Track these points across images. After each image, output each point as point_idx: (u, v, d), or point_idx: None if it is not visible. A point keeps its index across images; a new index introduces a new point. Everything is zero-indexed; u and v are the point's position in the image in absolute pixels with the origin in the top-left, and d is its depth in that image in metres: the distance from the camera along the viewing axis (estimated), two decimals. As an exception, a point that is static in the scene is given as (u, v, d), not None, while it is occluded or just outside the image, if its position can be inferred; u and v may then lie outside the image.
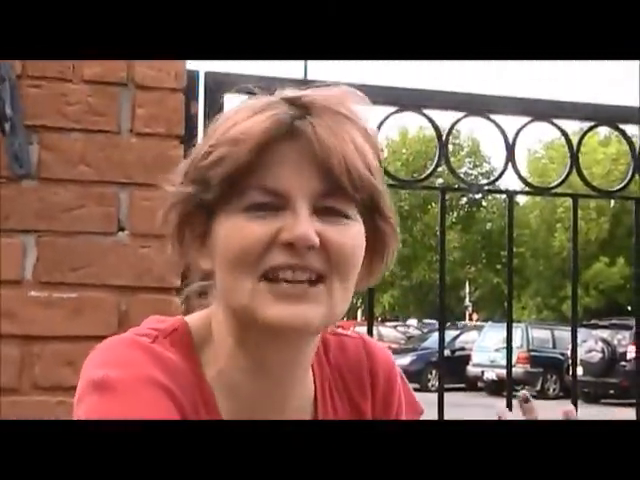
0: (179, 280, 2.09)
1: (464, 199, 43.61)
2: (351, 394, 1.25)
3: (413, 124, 42.41)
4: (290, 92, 1.15)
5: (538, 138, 42.73)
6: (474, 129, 43.46)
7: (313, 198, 1.10)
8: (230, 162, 1.09)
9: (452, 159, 2.67)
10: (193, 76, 2.27)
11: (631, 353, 19.33)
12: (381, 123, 2.43)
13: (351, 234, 1.12)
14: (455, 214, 41.71)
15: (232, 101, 2.09)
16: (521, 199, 40.41)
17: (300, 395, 1.21)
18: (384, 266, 1.19)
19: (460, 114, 2.53)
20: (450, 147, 2.74)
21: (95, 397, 1.06)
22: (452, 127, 2.56)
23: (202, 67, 2.29)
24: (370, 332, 2.55)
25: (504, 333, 2.79)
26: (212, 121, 1.18)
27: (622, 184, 2.73)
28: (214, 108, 2.09)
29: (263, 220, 1.09)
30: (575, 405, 2.73)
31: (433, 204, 40.12)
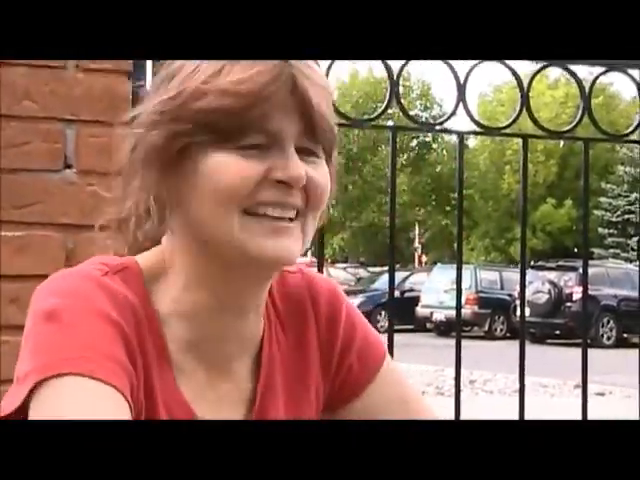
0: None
1: (414, 141, 43.68)
2: (295, 327, 1.30)
3: (363, 66, 42.22)
4: None
5: (489, 81, 42.89)
6: (425, 72, 43.51)
7: (295, 138, 1.15)
8: (229, 109, 1.12)
9: (403, 101, 2.66)
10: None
11: (577, 294, 19.65)
12: (331, 63, 2.40)
13: (324, 172, 1.18)
14: (405, 156, 41.74)
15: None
16: (471, 142, 40.69)
17: (250, 331, 1.25)
18: (326, 208, 1.26)
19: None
20: (401, 89, 2.73)
21: (44, 326, 1.09)
22: (403, 66, 2.54)
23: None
24: (320, 273, 2.57)
25: (453, 274, 2.81)
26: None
27: (571, 125, 2.74)
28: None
29: (255, 158, 1.13)
30: (522, 345, 2.76)
31: (383, 146, 40.12)
